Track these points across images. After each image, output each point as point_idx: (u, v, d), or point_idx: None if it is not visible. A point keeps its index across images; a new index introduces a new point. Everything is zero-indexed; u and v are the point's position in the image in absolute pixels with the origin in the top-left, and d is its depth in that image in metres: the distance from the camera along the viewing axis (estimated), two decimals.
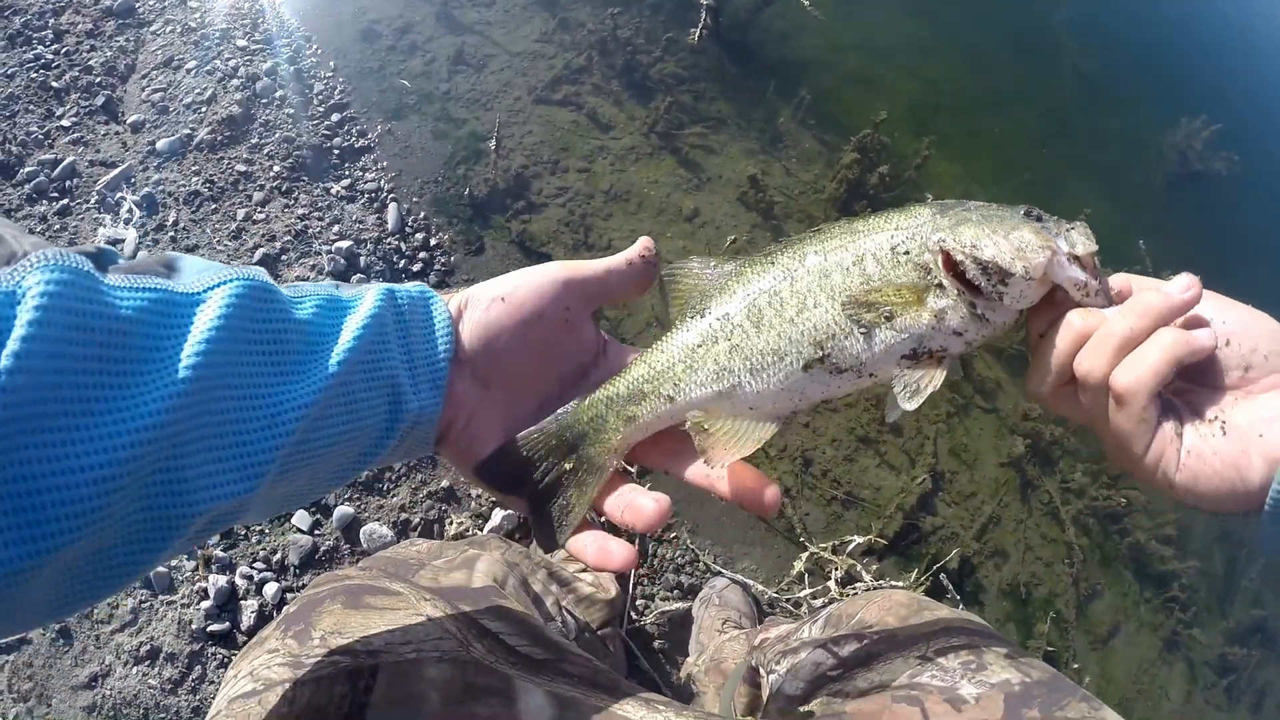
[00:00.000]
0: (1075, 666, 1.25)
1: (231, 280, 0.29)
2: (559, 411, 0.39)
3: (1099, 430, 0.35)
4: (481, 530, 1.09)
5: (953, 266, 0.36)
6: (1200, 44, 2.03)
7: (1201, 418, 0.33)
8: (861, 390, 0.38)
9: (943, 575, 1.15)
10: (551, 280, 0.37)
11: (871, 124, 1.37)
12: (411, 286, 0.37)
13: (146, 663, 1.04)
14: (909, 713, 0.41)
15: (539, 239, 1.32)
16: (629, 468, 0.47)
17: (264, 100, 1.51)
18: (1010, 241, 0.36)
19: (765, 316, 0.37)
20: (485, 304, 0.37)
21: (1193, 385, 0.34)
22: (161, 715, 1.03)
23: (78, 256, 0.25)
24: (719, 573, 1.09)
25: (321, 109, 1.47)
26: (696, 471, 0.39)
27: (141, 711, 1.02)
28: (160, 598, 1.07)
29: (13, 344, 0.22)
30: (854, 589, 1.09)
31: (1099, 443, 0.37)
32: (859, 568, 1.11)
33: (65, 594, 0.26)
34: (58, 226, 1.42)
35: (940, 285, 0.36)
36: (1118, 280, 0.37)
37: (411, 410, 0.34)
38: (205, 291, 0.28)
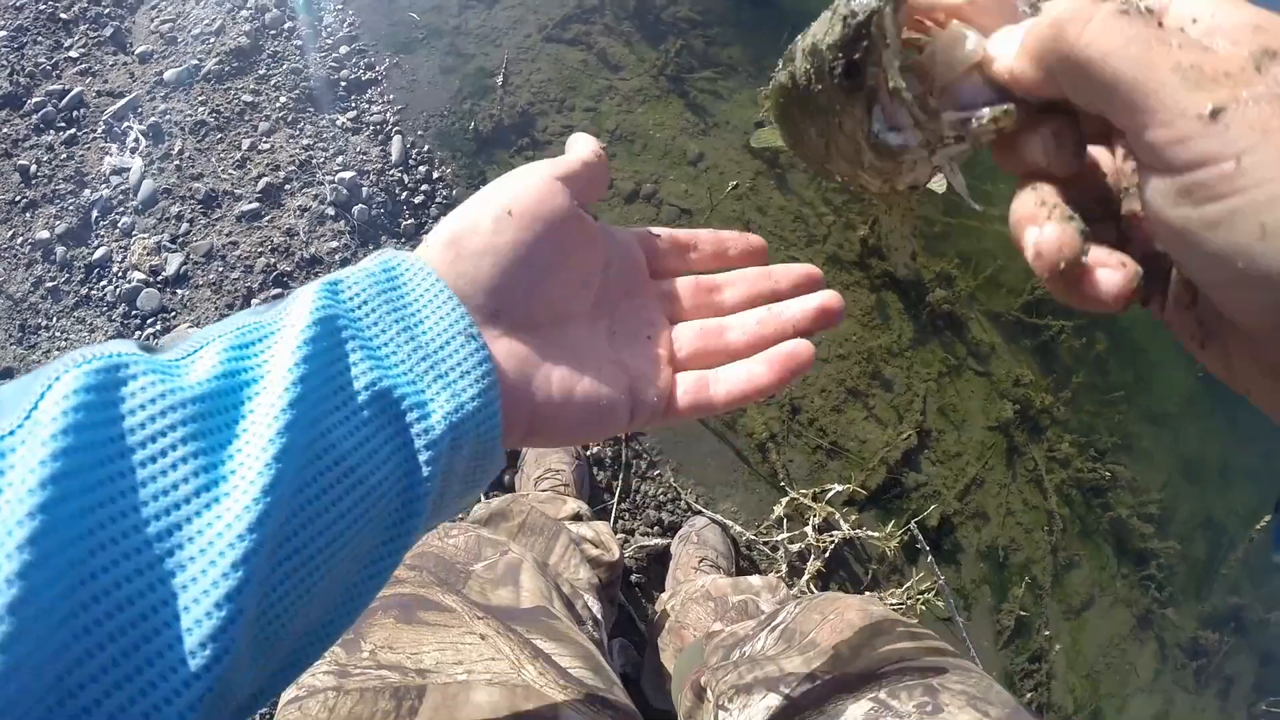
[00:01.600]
0: (1047, 633, 1.27)
1: (55, 381, 0.17)
2: None
3: None
4: None
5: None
6: None
7: None
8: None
9: (919, 533, 1.16)
10: (548, 178, 0.29)
11: None
12: (365, 263, 0.25)
13: None
14: None
15: None
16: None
17: (273, 32, 1.50)
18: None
19: None
20: (489, 229, 0.26)
21: None
22: None
23: None
24: (699, 512, 1.11)
25: (330, 41, 1.46)
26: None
27: None
28: None
29: None
30: (832, 536, 1.10)
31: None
32: (838, 516, 1.12)
33: None
34: (64, 156, 1.42)
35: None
36: None
37: (435, 425, 0.22)
38: (22, 423, 0.17)
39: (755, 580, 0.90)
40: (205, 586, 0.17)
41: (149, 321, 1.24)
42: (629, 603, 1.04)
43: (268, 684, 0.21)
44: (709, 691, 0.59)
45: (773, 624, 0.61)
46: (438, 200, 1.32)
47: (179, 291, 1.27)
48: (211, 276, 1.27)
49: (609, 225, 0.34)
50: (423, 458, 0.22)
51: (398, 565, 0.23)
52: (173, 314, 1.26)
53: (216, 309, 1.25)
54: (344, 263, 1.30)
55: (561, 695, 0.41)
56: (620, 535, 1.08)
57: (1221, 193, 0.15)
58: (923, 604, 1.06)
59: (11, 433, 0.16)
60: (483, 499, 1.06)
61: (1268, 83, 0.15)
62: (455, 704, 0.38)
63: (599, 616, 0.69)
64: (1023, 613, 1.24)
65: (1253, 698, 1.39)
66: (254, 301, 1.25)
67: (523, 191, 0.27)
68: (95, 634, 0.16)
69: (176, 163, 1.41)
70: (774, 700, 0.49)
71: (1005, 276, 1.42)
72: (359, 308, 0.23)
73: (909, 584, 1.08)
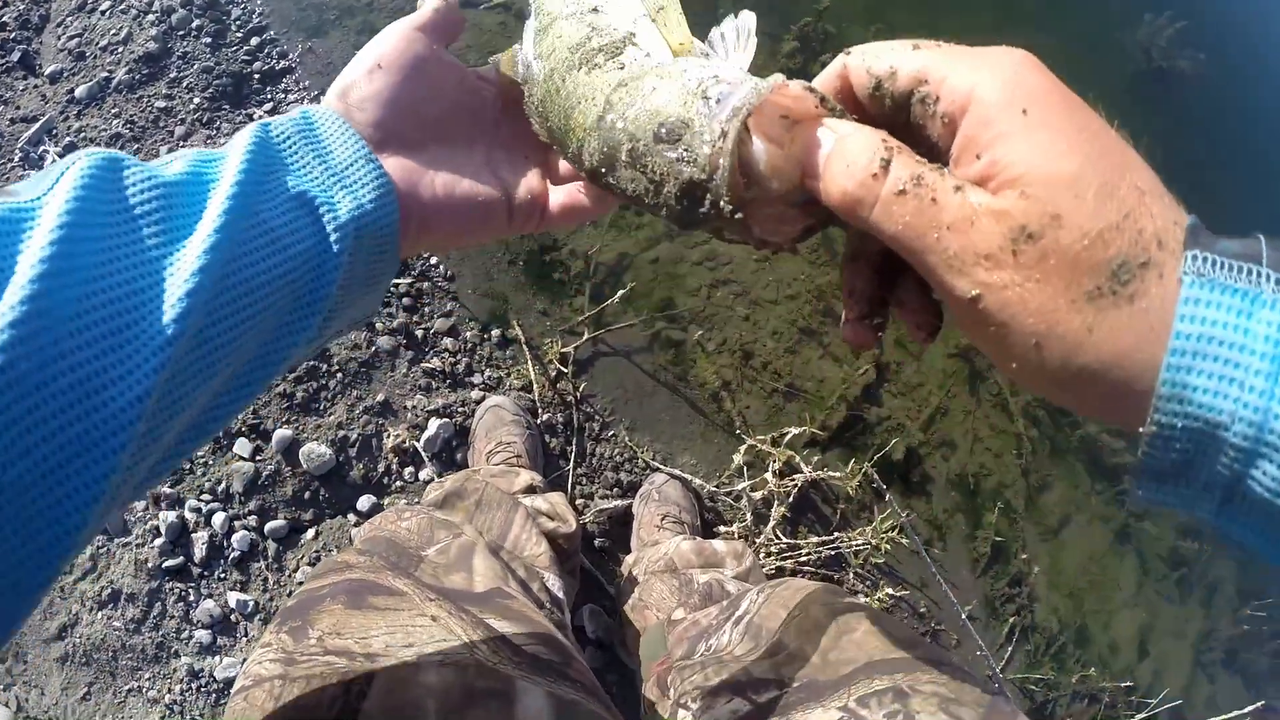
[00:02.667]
0: (1024, 556, 1.27)
1: (72, 165, 0.25)
2: None
3: None
4: (418, 440, 1.08)
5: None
6: None
7: None
8: None
9: (875, 473, 1.14)
10: (407, 30, 0.34)
11: (814, 12, 1.31)
12: (289, 113, 0.33)
13: (109, 606, 1.06)
14: None
15: None
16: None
17: (180, 32, 1.45)
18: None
19: None
20: (365, 80, 0.33)
21: None
22: (129, 655, 1.04)
23: None
24: (658, 469, 1.09)
25: (240, 34, 1.41)
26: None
27: (110, 654, 1.04)
28: (116, 541, 1.08)
29: None
30: (794, 480, 1.09)
31: None
32: (799, 459, 1.11)
33: None
34: None
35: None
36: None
37: (341, 216, 0.30)
38: (47, 192, 0.24)
39: (719, 546, 0.88)
40: (173, 288, 0.24)
41: None
42: (595, 568, 1.02)
43: (177, 445, 0.27)
44: (672, 690, 0.58)
45: (736, 614, 0.59)
46: None
47: None
48: None
49: (485, 67, 0.39)
50: (332, 239, 0.29)
51: (311, 331, 0.30)
52: None
53: None
54: None
55: (515, 671, 0.41)
56: (580, 500, 1.06)
57: (987, 334, 0.21)
58: (888, 543, 1.05)
59: (41, 196, 0.24)
60: (436, 479, 1.04)
61: (1017, 265, 0.19)
62: (405, 686, 0.37)
63: (558, 595, 0.68)
64: (998, 538, 1.24)
65: (1237, 603, 1.41)
66: None
67: (387, 47, 0.34)
68: (103, 309, 0.23)
69: None
70: (739, 705, 0.48)
71: None
72: (284, 142, 0.31)
73: (875, 523, 1.07)
